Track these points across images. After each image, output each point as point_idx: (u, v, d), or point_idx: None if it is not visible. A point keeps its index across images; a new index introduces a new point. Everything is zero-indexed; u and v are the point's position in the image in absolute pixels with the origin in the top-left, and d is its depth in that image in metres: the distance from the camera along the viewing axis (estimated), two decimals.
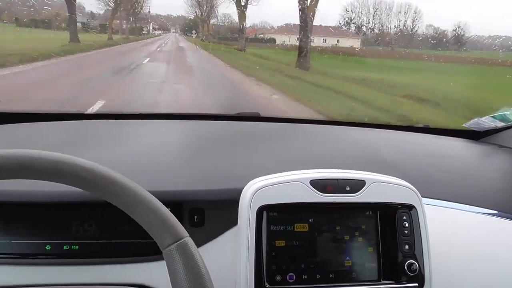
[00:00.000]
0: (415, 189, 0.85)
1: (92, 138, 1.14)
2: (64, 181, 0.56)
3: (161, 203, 0.58)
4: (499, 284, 0.90)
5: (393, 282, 0.81)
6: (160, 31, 21.38)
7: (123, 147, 1.08)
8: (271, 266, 0.78)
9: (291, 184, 0.80)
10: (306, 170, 0.84)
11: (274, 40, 17.31)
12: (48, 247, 0.77)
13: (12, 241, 0.77)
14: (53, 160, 0.55)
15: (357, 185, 0.82)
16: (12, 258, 0.76)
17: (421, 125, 1.51)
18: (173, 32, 22.96)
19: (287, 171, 0.84)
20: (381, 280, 0.82)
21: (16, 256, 0.77)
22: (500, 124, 1.39)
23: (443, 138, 1.41)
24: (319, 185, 0.80)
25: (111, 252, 0.79)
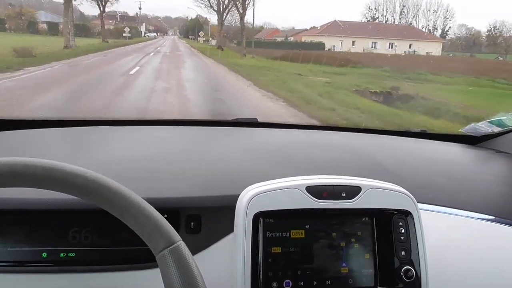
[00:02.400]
0: (411, 195, 0.85)
1: (87, 144, 1.13)
2: (57, 188, 0.56)
3: (153, 208, 0.59)
4: None
5: None
6: (154, 34, 17.08)
7: (119, 154, 1.08)
8: (267, 273, 0.78)
9: (287, 191, 0.80)
10: (302, 177, 0.84)
11: (322, 46, 12.38)
12: (44, 255, 0.77)
13: (8, 248, 0.76)
14: (45, 167, 0.55)
15: (353, 191, 0.82)
16: (8, 266, 0.76)
17: (417, 130, 1.51)
18: (172, 35, 18.27)
19: (283, 177, 0.85)
20: (378, 287, 0.82)
21: (13, 264, 0.76)
22: (496, 129, 1.39)
23: (439, 143, 1.41)
24: (315, 191, 0.80)
25: (107, 259, 0.79)
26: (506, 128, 1.38)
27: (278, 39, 16.55)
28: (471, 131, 1.45)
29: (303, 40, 14.15)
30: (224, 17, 14.43)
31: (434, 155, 1.29)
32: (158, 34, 17.81)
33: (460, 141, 1.44)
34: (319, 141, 1.33)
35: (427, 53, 10.72)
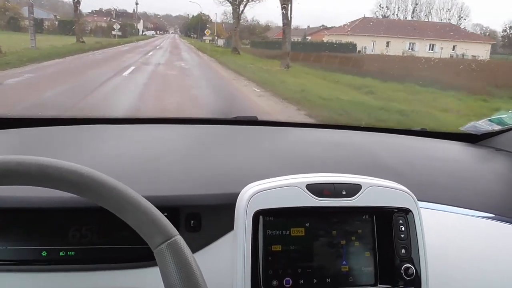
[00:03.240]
0: (411, 193, 0.85)
1: (84, 143, 1.13)
2: (52, 186, 0.56)
3: (150, 203, 0.58)
4: (496, 287, 0.90)
5: (390, 286, 0.81)
6: (153, 32, 14.57)
7: (118, 152, 1.08)
8: (267, 271, 0.77)
9: (288, 189, 0.80)
10: (303, 175, 0.84)
11: (354, 47, 9.70)
12: (44, 253, 0.77)
13: (8, 247, 0.76)
14: (39, 164, 0.55)
15: (353, 189, 0.82)
16: (8, 264, 0.76)
17: (418, 129, 1.51)
18: (172, 33, 16.28)
19: (284, 175, 0.84)
20: (378, 285, 0.82)
21: (12, 262, 0.76)
22: (497, 127, 1.39)
23: (440, 141, 1.41)
24: (316, 189, 0.80)
25: (107, 257, 0.79)
26: (506, 126, 1.37)
27: (293, 39, 13.32)
28: (471, 129, 1.44)
29: (324, 40, 11.64)
30: (241, 9, 10.31)
31: (435, 153, 1.29)
32: (158, 32, 15.78)
33: (460, 139, 1.44)
34: (319, 139, 1.33)
35: (473, 56, 8.61)
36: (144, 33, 14.00)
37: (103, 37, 11.83)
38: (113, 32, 11.49)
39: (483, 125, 1.42)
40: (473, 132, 1.44)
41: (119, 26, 11.57)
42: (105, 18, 12.05)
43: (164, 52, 11.89)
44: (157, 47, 12.76)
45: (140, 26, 13.41)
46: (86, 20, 11.93)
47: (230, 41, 13.02)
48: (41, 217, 0.78)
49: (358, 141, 1.33)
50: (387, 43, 8.68)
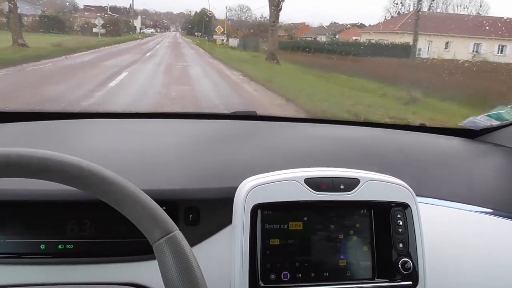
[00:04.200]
0: (410, 188, 0.85)
1: (84, 137, 1.13)
2: (52, 178, 0.56)
3: (149, 198, 0.59)
4: (493, 282, 0.90)
5: (388, 280, 0.81)
6: (152, 30, 13.24)
7: (117, 147, 1.08)
8: (265, 265, 0.78)
9: (286, 183, 0.80)
10: (301, 169, 0.84)
11: (408, 49, 7.30)
12: (42, 247, 0.77)
13: (7, 240, 0.77)
14: (40, 157, 0.55)
15: (351, 184, 0.82)
16: (6, 257, 0.76)
17: (417, 124, 1.51)
18: (173, 31, 15.13)
19: (282, 169, 0.84)
20: (376, 279, 0.82)
21: (11, 255, 0.77)
22: (495, 123, 1.39)
23: (439, 136, 1.41)
24: (314, 183, 0.80)
25: (106, 251, 0.79)
26: (504, 122, 1.37)
27: (319, 38, 11.55)
28: (470, 125, 1.44)
29: (353, 39, 9.80)
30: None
31: (433, 149, 1.29)
32: (158, 30, 14.38)
33: (459, 134, 1.44)
34: (318, 134, 1.33)
35: None
36: (142, 31, 12.32)
37: (91, 36, 9.76)
38: (95, 30, 8.82)
39: (482, 120, 1.42)
40: (472, 128, 1.44)
41: (102, 22, 9.01)
42: (98, 14, 10.23)
43: (155, 68, 6.87)
44: (148, 53, 8.54)
45: (137, 23, 11.66)
46: (75, 17, 10.35)
47: (246, 41, 10.69)
48: (39, 210, 0.78)
49: (356, 136, 1.33)
50: (446, 43, 6.97)
